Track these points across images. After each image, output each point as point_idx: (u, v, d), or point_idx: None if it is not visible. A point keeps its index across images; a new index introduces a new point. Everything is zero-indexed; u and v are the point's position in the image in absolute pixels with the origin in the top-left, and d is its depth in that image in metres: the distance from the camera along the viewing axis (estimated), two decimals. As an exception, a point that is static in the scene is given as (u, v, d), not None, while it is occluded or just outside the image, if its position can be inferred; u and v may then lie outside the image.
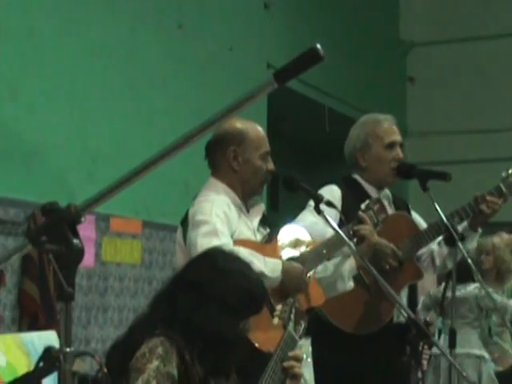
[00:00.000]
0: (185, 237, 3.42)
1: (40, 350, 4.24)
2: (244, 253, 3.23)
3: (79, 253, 1.38)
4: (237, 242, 3.33)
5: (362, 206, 3.63)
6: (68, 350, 1.35)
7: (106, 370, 2.41)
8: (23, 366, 4.06)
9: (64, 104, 6.41)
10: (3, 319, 5.85)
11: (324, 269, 3.59)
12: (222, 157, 3.55)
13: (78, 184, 6.07)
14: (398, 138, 4.06)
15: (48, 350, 1.40)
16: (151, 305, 2.77)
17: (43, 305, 6.05)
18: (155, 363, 2.48)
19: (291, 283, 3.33)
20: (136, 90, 7.11)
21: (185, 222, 3.46)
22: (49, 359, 1.40)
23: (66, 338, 1.37)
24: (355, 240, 3.54)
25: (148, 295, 7.24)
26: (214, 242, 3.22)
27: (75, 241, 1.37)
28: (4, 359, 4.12)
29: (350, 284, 3.64)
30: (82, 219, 1.41)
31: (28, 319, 6.01)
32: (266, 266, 3.28)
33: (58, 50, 6.39)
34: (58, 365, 1.33)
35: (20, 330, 5.84)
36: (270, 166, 3.57)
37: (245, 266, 2.79)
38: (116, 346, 2.68)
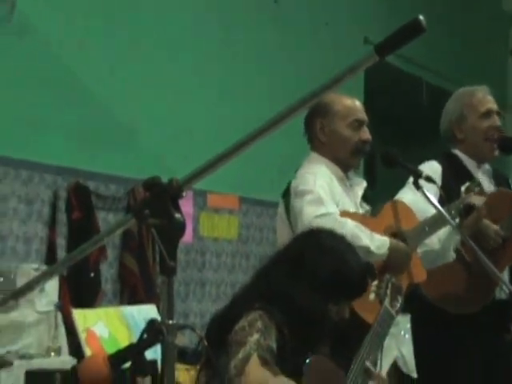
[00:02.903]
0: (287, 209, 3.42)
1: (140, 323, 4.33)
2: (351, 225, 3.21)
3: (181, 227, 1.39)
4: (343, 214, 3.31)
5: (463, 189, 3.57)
6: (171, 322, 1.37)
7: (206, 342, 2.44)
8: (124, 339, 4.14)
9: (161, 81, 6.48)
10: (105, 293, 5.98)
11: (430, 241, 3.55)
12: (313, 131, 3.55)
13: (175, 160, 6.14)
14: (493, 106, 3.99)
15: (152, 322, 1.43)
16: (252, 279, 2.79)
17: (142, 279, 6.16)
18: (255, 336, 2.50)
19: (396, 262, 3.29)
20: (232, 65, 7.14)
21: (286, 195, 3.46)
22: (152, 331, 1.42)
23: (168, 311, 1.39)
24: (458, 217, 3.49)
25: (245, 270, 7.30)
26: (321, 210, 3.20)
27: (177, 215, 1.38)
28: (106, 331, 4.21)
29: (452, 254, 3.60)
30: (184, 193, 1.42)
31: (128, 293, 6.13)
32: (373, 241, 3.25)
33: (156, 26, 6.46)
34: (161, 337, 1.35)
35: (121, 303, 5.96)
36: (364, 135, 3.51)
37: (349, 249, 2.77)
38: (215, 320, 2.71)
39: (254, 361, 2.46)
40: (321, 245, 2.73)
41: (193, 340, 5.11)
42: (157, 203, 1.39)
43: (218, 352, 2.57)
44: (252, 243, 7.65)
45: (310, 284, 2.64)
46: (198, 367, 2.75)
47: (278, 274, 2.69)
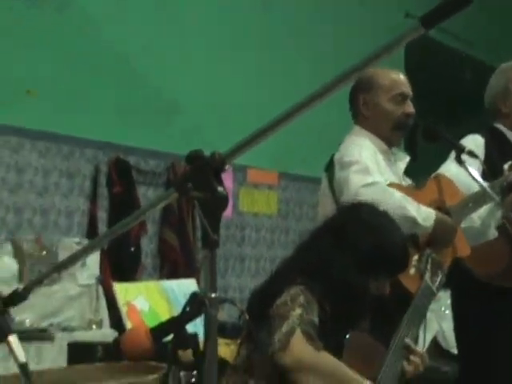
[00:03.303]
0: (330, 183, 3.39)
1: (180, 298, 4.35)
2: (398, 196, 3.18)
3: (224, 200, 1.38)
4: (389, 185, 3.28)
5: (506, 166, 3.54)
6: (213, 295, 1.37)
7: (247, 316, 2.45)
8: (165, 313, 4.16)
9: (201, 56, 6.47)
10: (145, 267, 6.02)
11: (470, 219, 3.53)
12: (356, 105, 3.53)
13: (215, 135, 6.14)
14: None
15: (194, 295, 1.43)
16: (293, 253, 2.78)
17: (182, 253, 6.19)
18: (298, 311, 2.50)
19: (442, 235, 3.26)
20: (270, 40, 7.11)
21: (330, 168, 3.43)
22: (195, 304, 1.43)
23: (210, 285, 1.39)
24: (500, 195, 3.45)
25: (284, 246, 7.31)
26: (368, 180, 3.18)
27: (220, 188, 1.38)
28: (147, 305, 4.24)
29: (494, 233, 3.57)
30: (226, 167, 1.42)
31: (168, 267, 6.17)
32: (419, 213, 3.22)
33: (190, 2, 6.46)
34: (203, 310, 1.36)
35: (161, 277, 6.00)
36: (408, 108, 3.48)
37: (391, 224, 2.75)
38: (256, 294, 2.71)
39: (298, 335, 2.46)
40: (363, 220, 2.71)
41: (232, 314, 5.13)
42: (199, 176, 1.38)
43: (259, 326, 2.58)
44: (291, 219, 7.65)
45: (351, 258, 2.63)
46: (239, 341, 2.76)
47: (320, 248, 2.69)
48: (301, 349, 2.44)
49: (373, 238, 2.66)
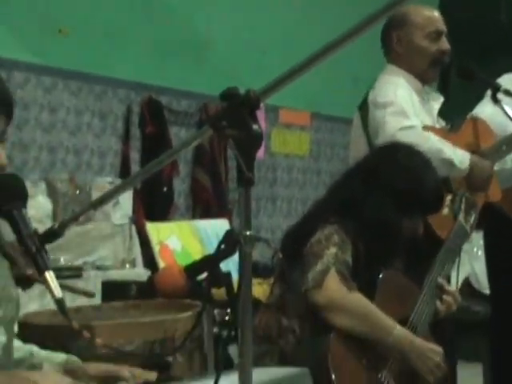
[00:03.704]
0: (363, 122, 3.37)
1: (212, 238, 4.37)
2: (434, 140, 3.16)
3: (258, 138, 1.37)
4: (425, 128, 3.26)
5: None
6: (248, 233, 1.37)
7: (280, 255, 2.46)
8: (197, 252, 4.19)
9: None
10: (177, 207, 6.05)
11: (503, 161, 3.50)
12: (390, 43, 3.48)
13: (247, 75, 6.10)
14: None
15: (229, 233, 1.43)
16: (326, 193, 2.78)
17: (215, 194, 6.21)
18: (333, 250, 2.51)
19: (477, 179, 3.24)
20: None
21: (363, 106, 3.40)
22: (230, 242, 1.43)
23: (245, 223, 1.39)
24: None
25: (316, 186, 7.30)
26: (405, 123, 3.15)
27: (255, 126, 1.37)
28: (179, 244, 4.27)
29: None
30: (261, 104, 1.41)
31: (200, 207, 6.20)
32: (456, 155, 3.20)
33: None
34: (238, 248, 1.36)
35: (193, 217, 6.03)
36: (443, 45, 3.43)
37: (426, 165, 2.73)
38: (290, 234, 2.72)
39: (332, 275, 2.47)
40: (398, 160, 2.70)
41: (264, 254, 5.15)
42: (234, 114, 1.37)
43: (292, 265, 2.59)
44: (323, 160, 7.63)
45: (385, 198, 2.62)
46: (272, 280, 2.77)
47: (353, 188, 2.68)
48: (334, 288, 2.45)
49: (408, 178, 2.65)
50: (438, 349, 2.58)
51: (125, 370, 1.73)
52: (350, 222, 2.59)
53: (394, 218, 2.62)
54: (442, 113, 3.56)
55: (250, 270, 1.38)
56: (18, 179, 1.64)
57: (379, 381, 2.49)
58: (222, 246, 1.44)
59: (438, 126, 3.46)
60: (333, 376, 2.35)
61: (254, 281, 4.01)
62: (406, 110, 3.22)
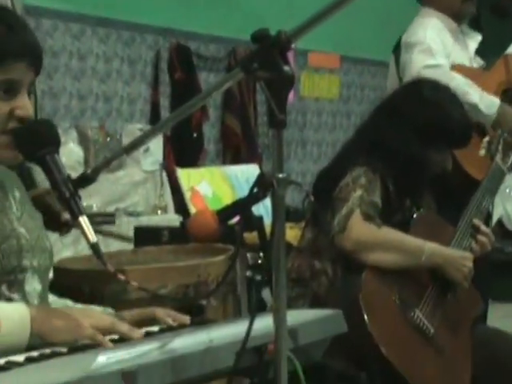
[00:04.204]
0: (397, 65, 3.36)
1: (243, 183, 4.38)
2: (460, 81, 3.14)
3: (290, 79, 1.36)
4: (455, 68, 3.23)
5: None
6: (281, 176, 1.36)
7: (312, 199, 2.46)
8: (228, 198, 4.19)
9: None
10: (208, 153, 6.06)
11: None
12: None
13: (275, 19, 6.05)
14: None
15: (262, 176, 1.42)
16: (354, 134, 2.77)
17: (245, 139, 6.20)
18: (358, 192, 2.51)
19: (504, 126, 3.21)
20: None
21: (397, 50, 3.40)
22: (263, 184, 1.42)
23: (277, 165, 1.38)
24: None
25: (346, 129, 7.27)
26: (431, 61, 3.14)
27: (286, 67, 1.35)
28: (210, 190, 4.27)
29: None
30: (292, 46, 1.39)
31: (230, 152, 6.20)
32: (482, 100, 3.17)
33: None
34: (271, 190, 1.35)
35: (223, 163, 6.04)
36: None
37: (452, 100, 2.71)
38: (320, 177, 2.72)
39: (356, 216, 2.47)
40: (422, 94, 2.68)
41: (295, 199, 5.15)
42: (265, 56, 1.36)
43: (323, 209, 2.59)
44: (353, 102, 7.58)
45: (410, 132, 2.61)
46: (303, 224, 2.78)
47: (380, 126, 2.67)
48: (359, 229, 2.46)
49: (432, 110, 2.64)
50: (468, 254, 2.61)
51: (160, 311, 1.75)
52: (378, 162, 2.59)
53: (421, 151, 2.61)
54: (479, 51, 3.52)
55: (284, 212, 1.38)
56: (51, 125, 1.64)
57: (412, 319, 2.50)
58: (255, 189, 1.44)
59: (475, 64, 3.42)
60: (365, 316, 2.36)
61: (286, 225, 4.02)
62: (434, 48, 3.20)
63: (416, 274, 2.56)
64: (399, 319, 2.48)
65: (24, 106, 1.65)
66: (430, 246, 2.54)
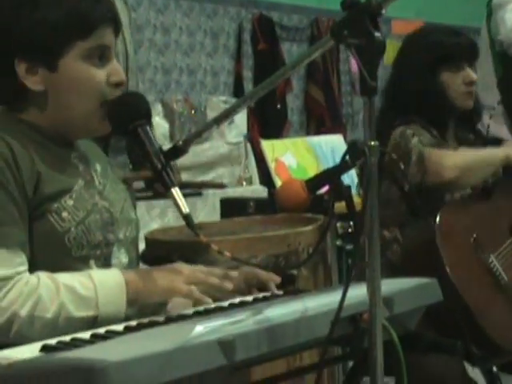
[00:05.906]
0: (488, 25, 3.33)
1: (327, 154, 4.35)
2: None
3: (381, 45, 1.35)
4: None
5: None
6: (373, 143, 1.35)
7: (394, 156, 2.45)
8: (312, 168, 4.18)
9: None
10: (292, 124, 6.05)
11: None
12: None
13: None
14: None
15: (353, 144, 1.41)
16: (383, 99, 2.76)
17: (328, 109, 6.17)
18: (414, 140, 2.54)
19: None
20: None
21: (488, 12, 3.37)
22: (354, 152, 1.41)
23: (369, 132, 1.37)
24: None
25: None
26: None
27: (376, 34, 1.34)
28: (294, 161, 4.26)
29: None
30: (383, 11, 1.37)
31: (314, 123, 6.18)
32: None
33: None
34: (363, 158, 1.34)
35: (307, 133, 6.02)
36: None
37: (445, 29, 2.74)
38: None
39: (431, 152, 2.50)
40: (416, 34, 2.73)
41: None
42: (355, 22, 1.34)
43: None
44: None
45: (418, 67, 2.64)
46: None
47: (394, 79, 2.72)
48: (448, 157, 2.50)
49: (425, 37, 2.68)
50: None
51: (262, 272, 1.77)
52: (407, 114, 2.58)
53: (431, 75, 2.61)
54: None
55: (376, 180, 1.37)
56: (141, 97, 1.66)
57: (487, 262, 2.45)
58: (347, 158, 1.43)
59: None
60: (440, 251, 2.34)
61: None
62: None
63: (497, 222, 2.52)
64: (474, 258, 2.44)
65: (117, 71, 1.67)
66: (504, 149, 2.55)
